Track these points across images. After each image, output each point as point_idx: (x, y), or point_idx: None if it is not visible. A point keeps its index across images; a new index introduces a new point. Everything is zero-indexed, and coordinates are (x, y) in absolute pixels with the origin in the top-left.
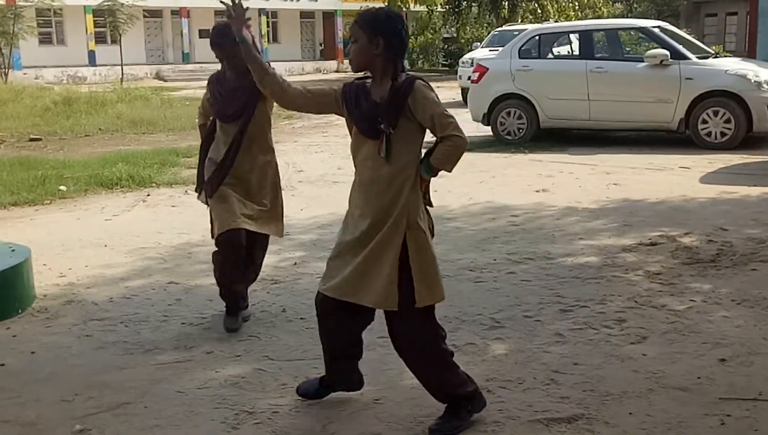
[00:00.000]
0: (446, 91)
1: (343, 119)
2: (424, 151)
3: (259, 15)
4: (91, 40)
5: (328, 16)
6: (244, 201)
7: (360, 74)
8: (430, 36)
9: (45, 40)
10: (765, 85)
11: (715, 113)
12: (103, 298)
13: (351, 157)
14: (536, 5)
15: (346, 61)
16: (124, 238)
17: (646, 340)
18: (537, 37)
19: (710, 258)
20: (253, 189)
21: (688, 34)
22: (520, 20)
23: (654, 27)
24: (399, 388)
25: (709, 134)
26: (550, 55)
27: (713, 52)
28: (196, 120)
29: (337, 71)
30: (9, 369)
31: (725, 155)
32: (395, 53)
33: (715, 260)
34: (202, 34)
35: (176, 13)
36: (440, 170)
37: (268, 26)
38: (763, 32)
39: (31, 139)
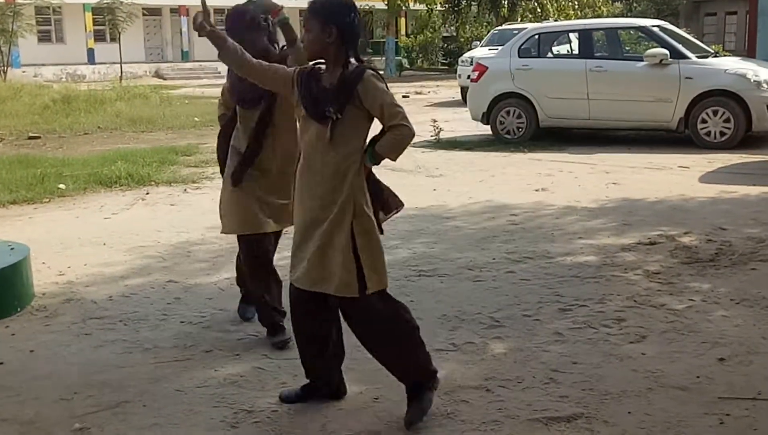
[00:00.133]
0: (445, 90)
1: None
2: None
3: None
4: (90, 38)
5: None
6: (266, 198)
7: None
8: (430, 35)
9: (44, 38)
10: (764, 85)
11: (715, 113)
12: (102, 296)
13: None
14: (536, 4)
15: None
16: (123, 236)
17: (645, 339)
18: (536, 36)
19: (709, 257)
20: (278, 181)
21: (688, 33)
22: (519, 19)
23: (653, 26)
24: (398, 387)
25: (708, 134)
26: (549, 54)
27: (713, 51)
28: (218, 111)
29: None
30: (8, 367)
31: (724, 155)
32: (347, 41)
33: (715, 259)
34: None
35: (175, 11)
36: (383, 159)
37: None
38: (762, 31)
39: (30, 138)
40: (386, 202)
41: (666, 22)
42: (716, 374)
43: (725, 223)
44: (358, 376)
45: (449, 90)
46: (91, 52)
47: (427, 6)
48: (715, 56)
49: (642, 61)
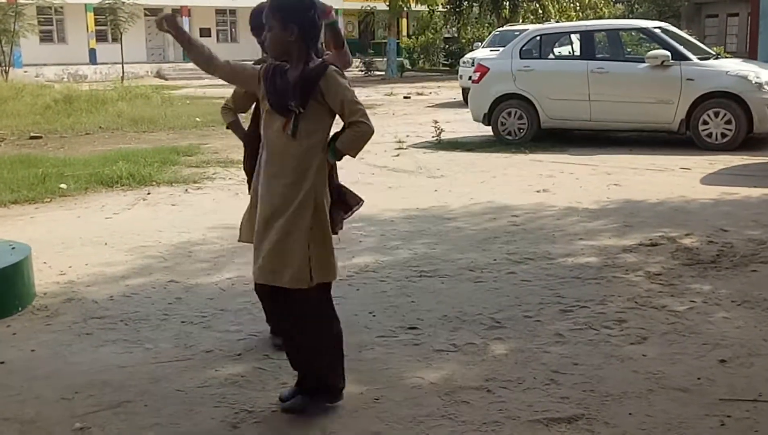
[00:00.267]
0: (447, 91)
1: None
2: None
3: None
4: (92, 39)
5: None
6: None
7: None
8: (431, 36)
9: (46, 38)
10: (766, 87)
11: (716, 114)
12: (103, 296)
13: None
14: (537, 5)
15: None
16: (125, 236)
17: (646, 340)
18: (538, 38)
19: (711, 259)
20: None
21: (689, 34)
22: (521, 20)
23: (655, 28)
24: (399, 387)
25: (709, 135)
26: (551, 56)
27: (714, 53)
28: (224, 117)
29: None
30: (9, 367)
31: (726, 156)
32: (308, 38)
33: (716, 261)
34: (203, 32)
35: (177, 11)
36: (344, 155)
37: None
38: (764, 33)
39: (32, 137)
40: (346, 200)
41: (667, 24)
42: (717, 376)
43: (726, 224)
44: (359, 377)
45: (450, 91)
46: (92, 53)
47: (428, 7)
48: (717, 58)
49: (643, 62)
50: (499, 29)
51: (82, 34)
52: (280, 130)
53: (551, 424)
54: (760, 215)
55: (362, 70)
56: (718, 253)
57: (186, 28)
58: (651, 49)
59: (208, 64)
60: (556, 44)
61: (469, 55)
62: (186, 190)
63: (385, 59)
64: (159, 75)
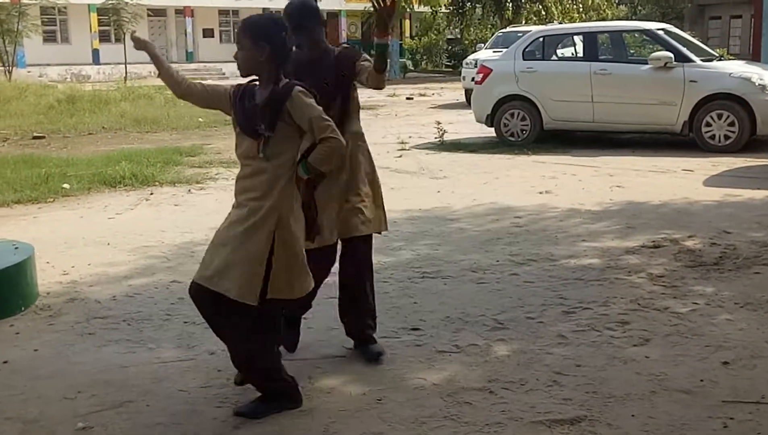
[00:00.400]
0: (450, 92)
1: None
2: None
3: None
4: (95, 39)
5: (332, 16)
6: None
7: None
8: (434, 37)
9: (49, 38)
10: None
11: (719, 116)
12: (105, 296)
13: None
14: (540, 7)
15: None
16: (127, 236)
17: (649, 342)
18: (541, 39)
19: (713, 261)
20: (346, 185)
21: (692, 36)
22: (524, 22)
23: (658, 29)
24: (401, 388)
25: (712, 137)
26: (554, 57)
27: (717, 54)
28: None
29: None
30: (12, 366)
31: (729, 158)
32: (279, 58)
33: (719, 263)
34: (206, 33)
35: (180, 12)
36: (317, 171)
37: None
38: (767, 35)
39: (35, 137)
40: (311, 229)
41: (670, 26)
42: (720, 378)
43: (729, 226)
44: (361, 378)
45: (453, 92)
46: (95, 53)
47: (431, 8)
48: (720, 59)
49: (646, 64)
50: (502, 30)
51: (85, 34)
52: (250, 150)
53: (554, 425)
54: (763, 217)
55: None
56: (721, 255)
57: (189, 29)
58: (654, 51)
59: (179, 85)
60: (559, 46)
61: (472, 57)
62: (189, 190)
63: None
64: None
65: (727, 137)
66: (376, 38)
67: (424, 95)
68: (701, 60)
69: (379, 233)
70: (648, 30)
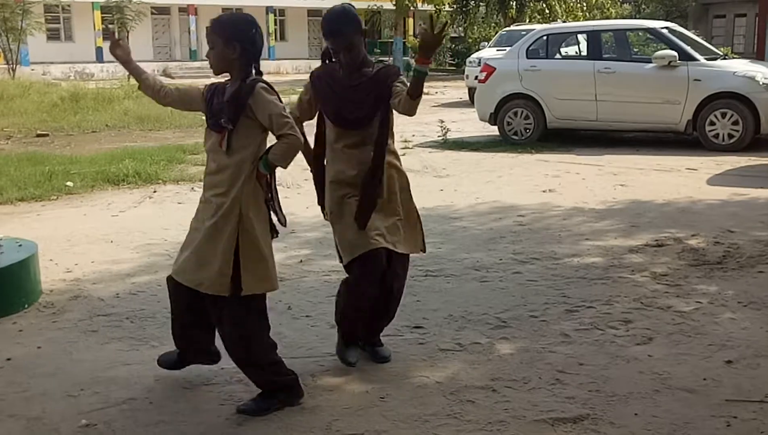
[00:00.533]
0: (453, 91)
1: None
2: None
3: (267, 13)
4: (99, 37)
5: None
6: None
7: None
8: None
9: (53, 36)
10: None
11: (723, 115)
12: (109, 293)
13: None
14: (544, 5)
15: None
16: (131, 234)
17: (652, 341)
18: (545, 38)
19: (717, 260)
20: (384, 201)
21: (697, 35)
22: (527, 20)
23: (662, 28)
24: (404, 385)
25: (716, 136)
26: (557, 56)
27: (721, 53)
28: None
29: None
30: (15, 363)
31: (733, 157)
32: (249, 55)
33: (722, 262)
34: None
35: (184, 10)
36: (277, 166)
37: (275, 24)
38: None
39: (38, 135)
40: (272, 225)
41: (674, 24)
42: (723, 377)
43: (733, 225)
44: (365, 375)
45: (457, 90)
46: (99, 51)
47: (435, 6)
48: (724, 58)
49: (650, 62)
50: (505, 29)
51: (89, 32)
52: (216, 145)
53: (556, 423)
54: (767, 216)
55: None
56: (724, 254)
57: (193, 27)
58: (658, 50)
59: (159, 94)
60: (563, 44)
61: (475, 55)
62: (192, 188)
63: (391, 58)
64: (166, 73)
65: (731, 136)
66: (416, 64)
67: (427, 93)
68: (705, 59)
69: (417, 253)
70: (652, 29)
